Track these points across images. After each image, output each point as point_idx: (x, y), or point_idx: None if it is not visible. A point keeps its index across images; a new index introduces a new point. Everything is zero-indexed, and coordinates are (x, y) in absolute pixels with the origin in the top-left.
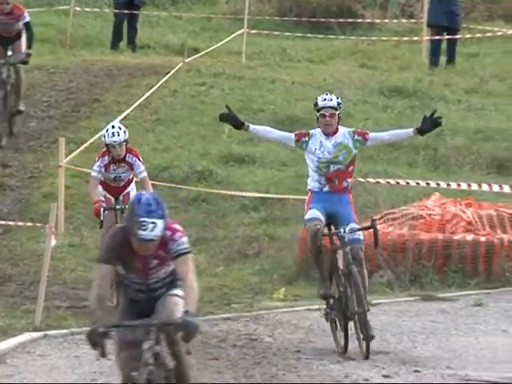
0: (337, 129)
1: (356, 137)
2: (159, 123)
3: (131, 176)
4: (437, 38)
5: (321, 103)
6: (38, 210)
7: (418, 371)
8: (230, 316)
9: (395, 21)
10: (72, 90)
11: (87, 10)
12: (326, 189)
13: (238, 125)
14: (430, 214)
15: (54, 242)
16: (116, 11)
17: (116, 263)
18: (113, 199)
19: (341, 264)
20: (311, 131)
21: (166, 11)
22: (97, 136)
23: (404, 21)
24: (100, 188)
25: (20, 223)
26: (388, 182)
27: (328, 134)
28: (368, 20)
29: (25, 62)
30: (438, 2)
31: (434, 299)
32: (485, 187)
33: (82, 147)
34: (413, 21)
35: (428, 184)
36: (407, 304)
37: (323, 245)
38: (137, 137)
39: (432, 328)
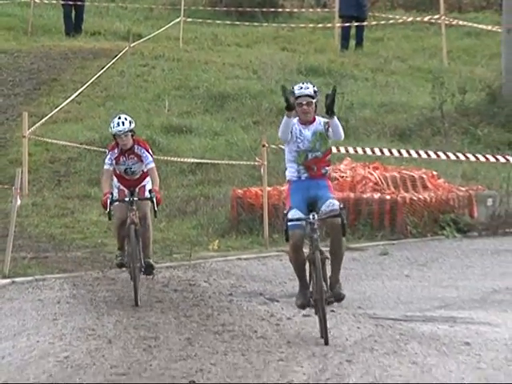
0: (314, 118)
1: (326, 126)
2: (109, 99)
3: (144, 169)
4: (347, 25)
5: (297, 92)
6: (5, 175)
7: (333, 311)
8: (172, 264)
9: (311, 10)
10: (33, 71)
11: (46, 1)
12: (305, 176)
13: (290, 108)
14: (343, 176)
15: (19, 201)
16: (63, 3)
17: None
18: (126, 191)
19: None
20: None
21: (113, 2)
22: (55, 110)
23: (318, 10)
24: (115, 180)
25: None
26: None
27: (306, 123)
28: (287, 9)
29: None
30: None
31: (346, 249)
32: (386, 152)
33: (43, 120)
34: (326, 10)
35: (339, 150)
36: None
37: (304, 254)
38: (90, 111)
39: (345, 274)
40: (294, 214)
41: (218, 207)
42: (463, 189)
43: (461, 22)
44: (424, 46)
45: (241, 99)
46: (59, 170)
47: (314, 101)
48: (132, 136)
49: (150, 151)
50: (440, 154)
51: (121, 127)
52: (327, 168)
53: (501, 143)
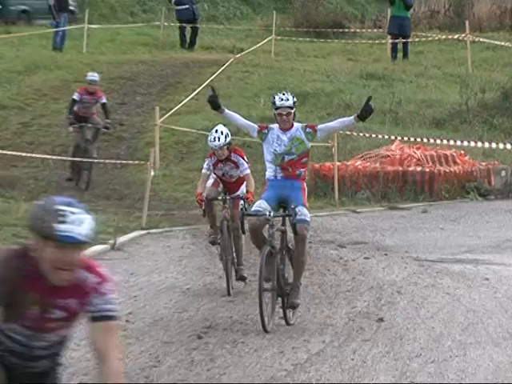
0: (292, 124)
1: (307, 130)
2: (219, 97)
3: (241, 175)
4: (396, 41)
5: (278, 103)
6: (142, 153)
7: (386, 254)
8: None
9: (369, 30)
10: (163, 76)
11: (172, 24)
12: (280, 175)
13: (215, 107)
14: (393, 154)
15: (153, 173)
16: (179, 25)
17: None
18: (220, 183)
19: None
20: (271, 125)
21: (222, 25)
22: (179, 105)
23: (375, 30)
24: (215, 175)
25: (131, 161)
26: (365, 135)
27: (284, 129)
28: (352, 30)
29: (107, 128)
30: (394, 18)
31: (396, 208)
32: (425, 140)
33: (170, 112)
34: (381, 30)
35: (389, 137)
36: (379, 212)
37: (264, 237)
38: (205, 106)
39: (395, 227)
40: (260, 204)
41: None
42: (483, 163)
43: (481, 39)
44: (454, 57)
45: (317, 97)
46: (182, 149)
47: (292, 111)
48: (228, 148)
49: (245, 158)
50: (465, 142)
51: (216, 143)
52: (302, 170)
53: None
